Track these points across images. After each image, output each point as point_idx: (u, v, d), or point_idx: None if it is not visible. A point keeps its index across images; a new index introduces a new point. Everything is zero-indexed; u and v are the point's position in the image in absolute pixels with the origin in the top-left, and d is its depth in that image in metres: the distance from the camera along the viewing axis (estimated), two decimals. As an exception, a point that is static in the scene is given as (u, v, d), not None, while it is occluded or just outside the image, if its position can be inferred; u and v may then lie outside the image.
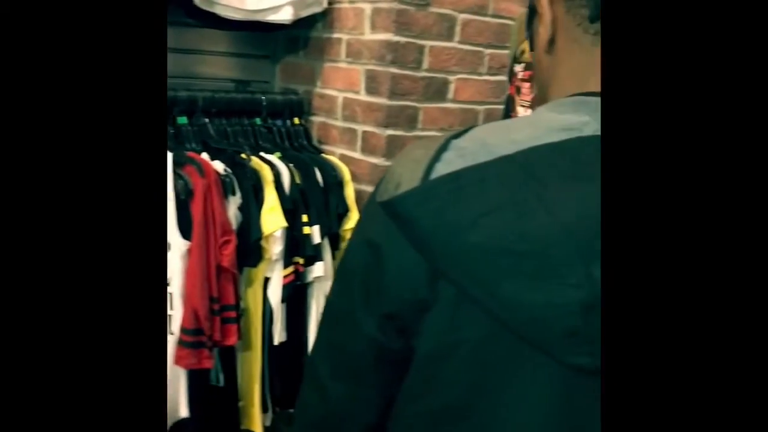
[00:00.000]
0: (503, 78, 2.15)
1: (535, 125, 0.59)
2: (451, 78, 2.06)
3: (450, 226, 0.55)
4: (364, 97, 2.04)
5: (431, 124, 2.04)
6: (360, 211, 0.68)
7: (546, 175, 0.55)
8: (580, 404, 0.57)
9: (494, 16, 2.09)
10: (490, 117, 2.15)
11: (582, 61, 0.63)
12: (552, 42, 0.65)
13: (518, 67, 1.67)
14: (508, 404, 0.59)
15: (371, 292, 0.63)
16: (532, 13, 0.68)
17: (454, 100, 2.08)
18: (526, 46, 1.59)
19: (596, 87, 0.61)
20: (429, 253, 0.58)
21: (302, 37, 2.25)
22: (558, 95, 0.64)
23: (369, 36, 2.00)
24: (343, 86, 2.11)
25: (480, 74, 2.12)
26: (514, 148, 0.56)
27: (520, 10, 1.97)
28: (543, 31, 0.65)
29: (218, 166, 1.74)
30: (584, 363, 0.54)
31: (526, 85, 1.65)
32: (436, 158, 0.58)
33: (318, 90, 2.21)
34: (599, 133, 0.57)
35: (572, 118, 0.59)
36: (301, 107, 2.17)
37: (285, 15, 2.01)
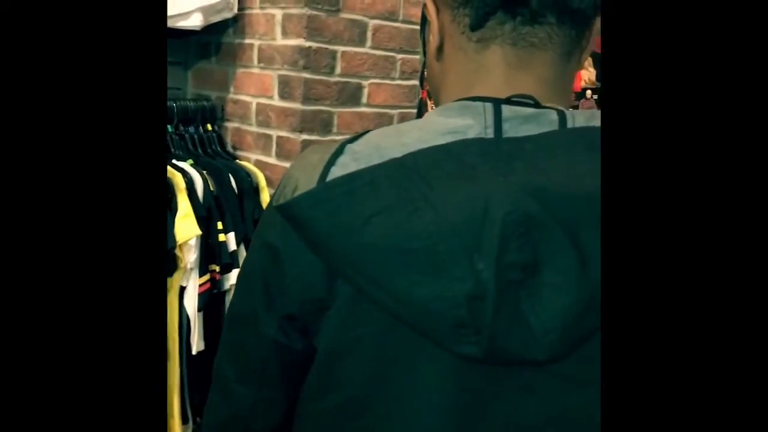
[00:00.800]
0: (416, 82, 2.19)
1: (424, 129, 0.62)
2: (365, 83, 2.08)
3: (344, 227, 0.57)
4: (277, 102, 2.04)
5: (346, 129, 2.06)
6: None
7: (432, 175, 0.57)
8: (473, 391, 0.60)
9: (405, 21, 2.12)
10: (404, 120, 2.18)
11: (467, 67, 0.66)
12: (440, 49, 0.68)
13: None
14: (406, 395, 0.61)
15: (272, 294, 0.65)
16: (424, 21, 0.71)
17: (368, 105, 2.10)
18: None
19: (480, 92, 0.64)
20: (325, 254, 0.59)
21: (214, 43, 2.23)
22: (447, 100, 0.67)
23: (281, 41, 2.00)
24: (256, 92, 2.10)
25: (393, 79, 2.15)
26: (404, 150, 0.59)
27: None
28: (432, 39, 0.68)
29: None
30: (472, 352, 0.57)
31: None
32: (331, 162, 0.60)
33: (231, 96, 2.20)
34: (482, 135, 0.60)
35: (458, 121, 0.61)
36: (214, 113, 2.15)
37: (195, 21, 1.99)
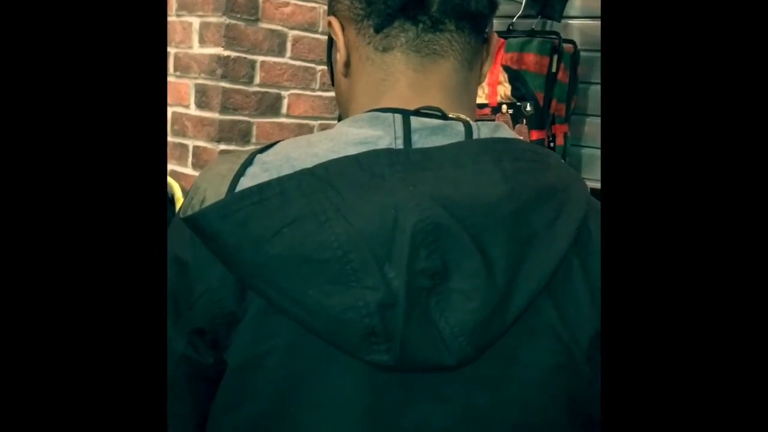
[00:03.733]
0: (335, 94, 2.20)
1: (335, 140, 0.62)
2: (284, 93, 2.07)
3: (253, 238, 0.57)
4: (194, 111, 1.99)
5: (266, 139, 2.03)
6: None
7: (343, 186, 0.58)
8: (386, 399, 0.61)
9: (324, 33, 2.12)
10: (323, 132, 2.18)
11: (374, 77, 0.67)
12: (347, 64, 0.69)
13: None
14: (318, 406, 0.61)
15: (181, 309, 0.63)
16: (330, 42, 0.73)
17: (288, 115, 2.09)
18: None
19: (389, 103, 0.66)
20: (235, 266, 0.59)
21: (127, 50, 2.17)
22: (357, 112, 0.67)
23: (198, 50, 1.96)
24: (172, 100, 2.05)
25: (313, 90, 2.14)
26: (315, 161, 0.59)
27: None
28: (339, 56, 0.69)
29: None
30: (383, 360, 0.57)
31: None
32: (240, 173, 0.59)
33: (146, 104, 2.14)
34: (392, 145, 0.62)
35: (368, 132, 0.62)
36: (128, 122, 2.08)
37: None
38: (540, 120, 1.49)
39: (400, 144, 0.62)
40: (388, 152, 0.60)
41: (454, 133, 0.63)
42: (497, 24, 1.60)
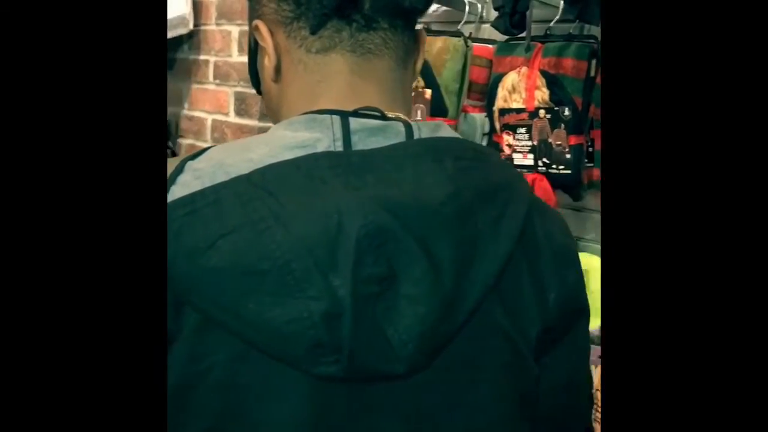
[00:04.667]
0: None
1: (270, 144, 0.60)
2: (321, 100, 2.09)
3: (187, 251, 0.54)
4: (233, 118, 2.02)
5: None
6: None
7: (282, 192, 0.56)
8: (333, 412, 0.58)
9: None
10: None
11: (309, 79, 0.65)
12: (278, 69, 0.67)
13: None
14: (262, 422, 0.58)
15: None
16: (255, 48, 0.70)
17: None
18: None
19: (326, 105, 0.63)
20: (169, 281, 0.55)
21: (168, 59, 2.21)
22: (291, 115, 0.64)
23: (237, 58, 1.99)
24: (211, 108, 2.09)
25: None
26: (250, 166, 0.57)
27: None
28: (268, 61, 0.67)
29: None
30: (332, 372, 0.55)
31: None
32: (171, 181, 0.57)
33: (186, 112, 2.17)
34: (331, 148, 0.60)
35: (305, 135, 0.60)
36: (169, 129, 2.12)
37: (149, 36, 1.97)
38: (578, 124, 1.48)
39: (339, 146, 0.60)
40: (328, 155, 0.58)
41: (394, 134, 0.62)
42: (534, 28, 1.60)
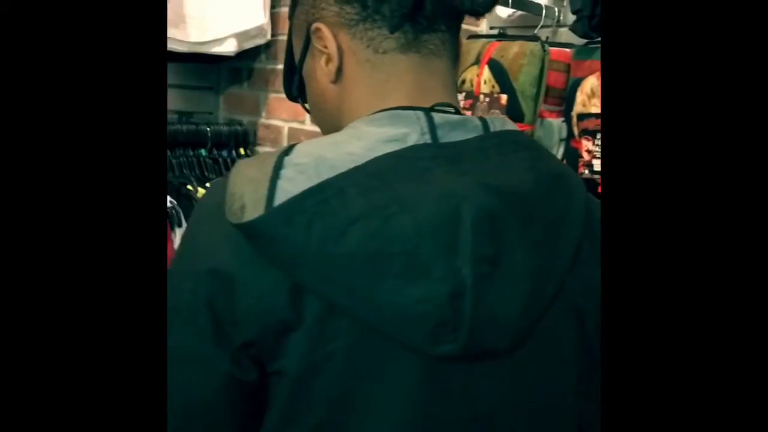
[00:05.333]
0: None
1: (363, 139, 0.62)
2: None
3: (319, 239, 0.57)
4: (309, 126, 2.06)
5: (376, 153, 2.07)
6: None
7: (397, 180, 0.59)
8: (444, 392, 0.61)
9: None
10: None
11: (376, 79, 0.68)
12: (339, 71, 0.69)
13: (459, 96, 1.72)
14: (378, 408, 0.61)
15: (223, 325, 0.60)
16: (305, 51, 0.72)
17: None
18: (467, 74, 1.64)
19: (396, 102, 0.66)
20: (297, 269, 0.58)
21: (245, 69, 2.27)
22: (356, 114, 0.67)
23: (313, 67, 2.03)
24: (288, 116, 2.13)
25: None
26: (354, 159, 0.60)
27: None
28: (330, 64, 0.69)
29: (163, 198, 1.73)
30: (450, 350, 0.58)
31: (468, 113, 1.70)
32: (275, 176, 0.59)
33: (263, 120, 2.22)
34: (421, 142, 0.63)
35: (392, 130, 0.63)
36: (247, 138, 2.17)
37: (229, 47, 2.02)
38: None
39: (427, 139, 0.63)
40: (427, 146, 0.62)
41: (473, 127, 0.65)
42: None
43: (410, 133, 0.63)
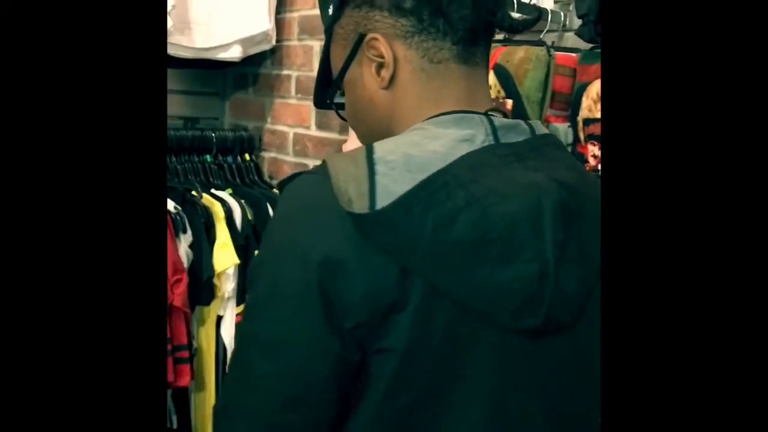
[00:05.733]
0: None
1: (440, 138, 0.69)
2: (400, 112, 2.09)
3: (433, 227, 0.63)
4: (314, 132, 2.05)
5: (382, 158, 2.06)
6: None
7: (486, 175, 0.67)
8: (515, 364, 0.70)
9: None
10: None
11: (431, 86, 0.75)
12: (392, 79, 0.75)
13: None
14: (468, 376, 0.68)
15: (334, 309, 0.64)
16: (349, 59, 0.77)
17: (403, 134, 2.11)
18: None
19: (450, 107, 0.74)
20: (409, 255, 0.64)
21: (251, 74, 2.27)
22: (412, 117, 0.74)
23: (318, 72, 2.02)
24: (293, 122, 2.13)
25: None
26: (438, 157, 0.66)
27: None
28: (384, 71, 0.75)
29: (168, 204, 1.73)
30: (531, 324, 0.67)
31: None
32: (372, 172, 0.65)
33: (268, 126, 2.22)
34: (487, 143, 0.70)
35: (461, 132, 0.70)
36: (252, 143, 2.17)
37: (234, 53, 2.02)
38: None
39: (491, 140, 0.70)
40: (497, 146, 0.70)
41: (522, 130, 0.73)
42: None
43: (477, 134, 0.70)
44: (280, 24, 2.12)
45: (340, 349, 0.65)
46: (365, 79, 0.76)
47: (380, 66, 0.75)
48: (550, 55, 1.68)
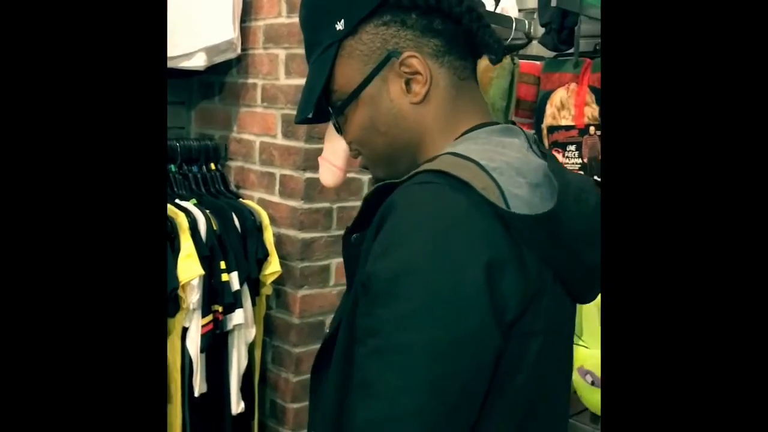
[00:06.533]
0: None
1: (507, 147, 0.77)
2: (367, 120, 2.09)
3: (569, 221, 0.73)
4: (281, 140, 2.04)
5: (350, 166, 2.05)
6: (436, 248, 0.70)
7: (564, 174, 0.77)
8: (569, 326, 0.85)
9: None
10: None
11: (461, 101, 0.82)
12: (426, 95, 0.81)
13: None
14: (563, 337, 0.82)
15: (497, 306, 0.68)
16: (371, 77, 0.81)
17: (371, 142, 2.10)
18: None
19: (481, 119, 0.83)
20: (549, 249, 0.73)
21: (217, 83, 2.25)
22: (446, 132, 0.81)
23: (284, 81, 2.01)
24: (259, 130, 2.11)
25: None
26: (525, 163, 0.75)
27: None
28: (419, 87, 0.80)
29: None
30: (592, 297, 0.84)
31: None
32: (496, 181, 0.71)
33: (234, 135, 2.20)
34: (531, 149, 0.80)
35: (514, 140, 0.79)
36: (218, 152, 2.15)
37: (198, 61, 2.00)
38: (630, 141, 1.45)
39: (529, 146, 0.80)
40: (546, 153, 0.81)
41: (533, 140, 0.84)
42: (583, 44, 1.57)
43: (523, 143, 0.80)
44: (245, 32, 2.11)
45: (500, 342, 0.69)
46: (392, 93, 0.81)
47: (409, 81, 0.80)
48: (514, 63, 1.69)
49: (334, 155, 1.21)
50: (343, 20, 0.81)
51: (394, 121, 0.82)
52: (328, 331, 0.85)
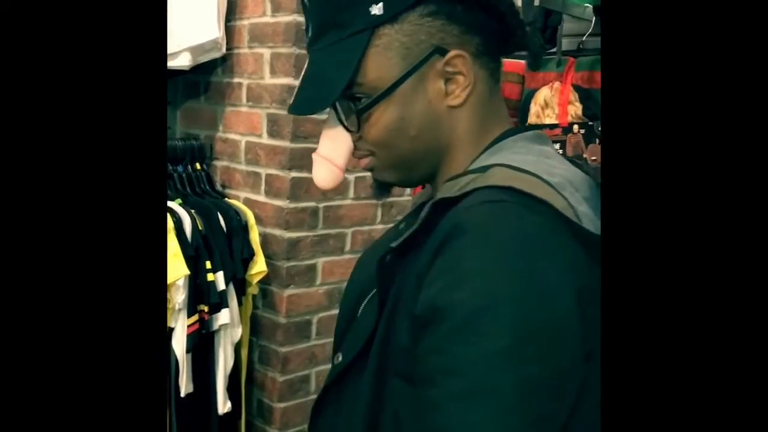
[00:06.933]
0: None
1: (552, 157, 0.73)
2: (353, 120, 2.09)
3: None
4: (266, 140, 2.04)
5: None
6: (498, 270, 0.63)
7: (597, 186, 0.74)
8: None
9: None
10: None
11: (495, 103, 0.78)
12: (469, 94, 0.74)
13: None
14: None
15: (583, 332, 0.62)
16: (408, 74, 0.72)
17: (356, 142, 2.11)
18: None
19: (507, 123, 0.79)
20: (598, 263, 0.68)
21: (202, 82, 2.24)
22: (478, 137, 0.76)
23: (269, 80, 2.01)
24: (245, 130, 2.11)
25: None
26: (576, 175, 0.70)
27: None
28: (461, 91, 0.73)
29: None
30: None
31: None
32: (564, 198, 0.65)
33: (220, 134, 2.20)
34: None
35: (550, 149, 0.76)
36: (203, 152, 2.14)
37: (183, 61, 2.00)
38: (613, 139, 1.46)
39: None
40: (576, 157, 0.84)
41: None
42: (566, 43, 1.58)
43: (554, 149, 0.77)
44: (230, 32, 2.10)
45: (583, 373, 0.63)
46: (429, 94, 0.73)
47: (448, 81, 0.73)
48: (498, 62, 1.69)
49: (336, 154, 1.11)
50: (381, 4, 0.70)
51: (428, 125, 0.74)
52: (340, 359, 0.77)
